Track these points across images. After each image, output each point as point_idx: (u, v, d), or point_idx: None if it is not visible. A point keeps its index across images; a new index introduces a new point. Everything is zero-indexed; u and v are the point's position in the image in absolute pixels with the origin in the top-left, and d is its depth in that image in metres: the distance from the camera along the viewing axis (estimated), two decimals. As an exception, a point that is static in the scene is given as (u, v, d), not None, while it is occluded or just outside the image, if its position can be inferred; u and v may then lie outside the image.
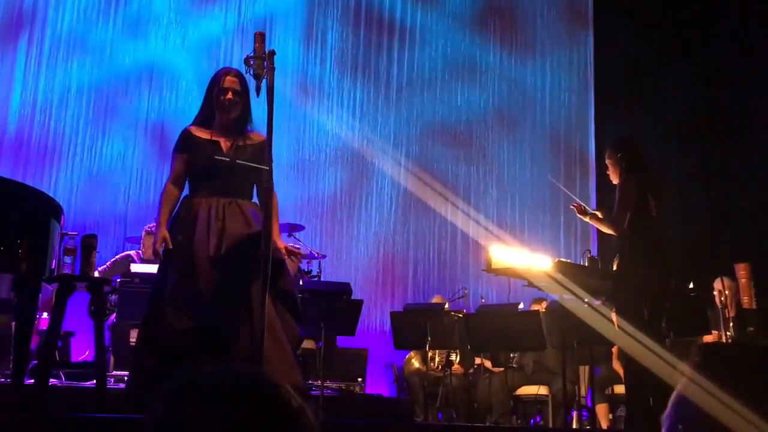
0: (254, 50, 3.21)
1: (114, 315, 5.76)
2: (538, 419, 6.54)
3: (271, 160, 3.36)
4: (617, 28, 9.41)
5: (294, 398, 1.06)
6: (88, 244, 3.82)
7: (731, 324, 5.57)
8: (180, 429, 1.03)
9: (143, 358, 3.62)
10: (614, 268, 4.63)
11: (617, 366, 5.98)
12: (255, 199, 3.85)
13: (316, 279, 7.32)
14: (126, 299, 5.36)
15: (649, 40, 9.08)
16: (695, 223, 8.44)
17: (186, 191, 3.86)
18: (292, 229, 7.36)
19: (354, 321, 5.51)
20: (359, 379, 6.92)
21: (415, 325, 5.78)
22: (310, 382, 6.15)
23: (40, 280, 3.19)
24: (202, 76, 7.85)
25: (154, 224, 4.07)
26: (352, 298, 6.14)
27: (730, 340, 5.47)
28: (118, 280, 5.68)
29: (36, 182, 6.88)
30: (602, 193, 8.72)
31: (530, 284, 4.80)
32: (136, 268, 5.75)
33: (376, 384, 7.49)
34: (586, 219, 4.77)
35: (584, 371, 5.85)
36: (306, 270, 7.39)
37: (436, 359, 6.66)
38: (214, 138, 3.78)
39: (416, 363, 6.72)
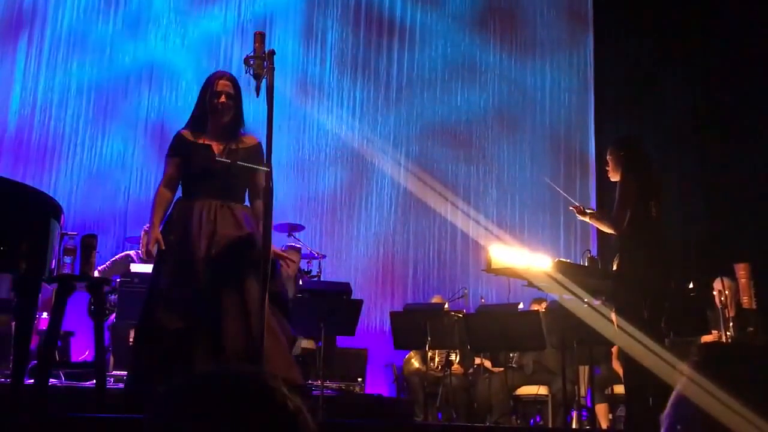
0: (254, 50, 3.21)
1: (114, 315, 5.76)
2: (538, 419, 6.54)
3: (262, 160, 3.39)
4: (617, 29, 9.41)
5: (291, 400, 1.06)
6: (88, 244, 3.82)
7: (731, 324, 5.57)
8: (178, 430, 1.03)
9: (139, 358, 3.64)
10: (614, 268, 4.63)
11: (617, 366, 5.98)
12: (247, 203, 3.88)
13: (316, 279, 7.32)
14: (126, 299, 5.36)
15: (649, 41, 9.08)
16: (695, 223, 8.44)
17: (179, 193, 3.87)
18: (292, 229, 7.37)
19: (354, 321, 5.51)
20: (359, 379, 6.92)
21: (414, 325, 5.78)
22: (310, 382, 6.15)
23: (40, 280, 3.19)
24: (202, 76, 7.77)
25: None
26: (352, 298, 6.14)
27: (729, 340, 5.47)
28: (118, 280, 5.68)
29: (36, 182, 6.88)
30: (602, 193, 8.72)
31: (530, 284, 4.80)
32: (136, 268, 5.75)
33: (376, 384, 7.49)
34: (586, 219, 4.77)
35: (584, 371, 5.85)
36: (306, 270, 7.40)
37: (436, 359, 6.66)
38: (206, 141, 3.80)
39: (416, 363, 6.72)
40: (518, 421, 6.30)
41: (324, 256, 7.62)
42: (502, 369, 6.26)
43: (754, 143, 8.13)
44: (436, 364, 6.65)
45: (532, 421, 6.53)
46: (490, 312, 6.28)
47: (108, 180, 7.90)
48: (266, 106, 3.19)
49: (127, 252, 6.40)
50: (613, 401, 6.15)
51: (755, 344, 5.31)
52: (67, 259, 3.80)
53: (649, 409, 4.15)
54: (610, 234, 4.71)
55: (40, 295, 3.31)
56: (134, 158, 7.99)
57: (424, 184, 8.57)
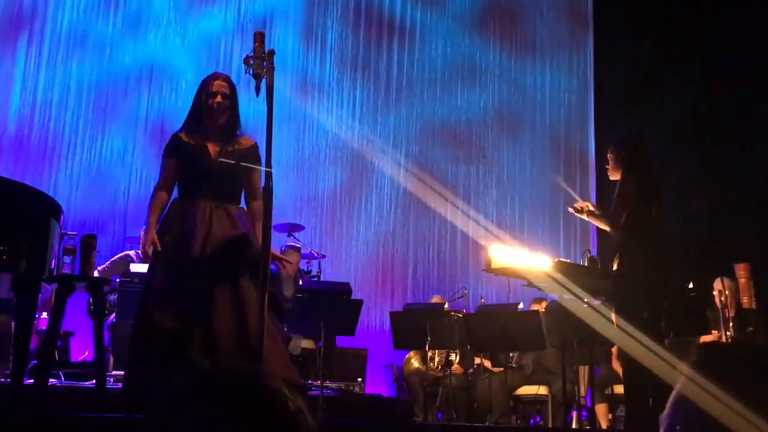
0: (254, 50, 3.21)
1: (113, 315, 5.76)
2: (537, 419, 6.54)
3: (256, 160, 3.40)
4: (617, 29, 9.41)
5: (292, 400, 1.06)
6: (88, 244, 3.82)
7: (731, 324, 5.57)
8: (179, 430, 1.03)
9: (136, 358, 3.65)
10: (614, 268, 4.63)
11: (617, 366, 5.98)
12: (243, 204, 3.90)
13: (315, 279, 7.32)
14: (125, 299, 5.37)
15: (649, 41, 9.08)
16: (695, 223, 8.43)
17: (175, 194, 3.89)
18: (292, 229, 7.37)
19: (354, 321, 5.51)
20: (359, 379, 6.92)
21: (414, 325, 5.78)
22: (310, 382, 6.15)
23: (40, 280, 3.19)
24: (201, 75, 7.76)
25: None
26: (352, 297, 6.14)
27: (729, 341, 5.47)
28: (118, 280, 5.69)
29: (36, 182, 6.88)
30: (602, 193, 8.72)
31: (530, 284, 4.80)
32: (136, 268, 5.75)
33: (376, 384, 7.49)
34: (584, 216, 4.77)
35: (584, 371, 5.85)
36: (306, 270, 7.40)
37: (436, 359, 6.66)
38: (202, 142, 3.81)
39: (416, 363, 6.72)
40: (518, 421, 6.30)
41: (324, 256, 7.62)
42: (502, 369, 6.26)
43: (754, 143, 8.13)
44: (435, 364, 6.65)
45: (532, 421, 6.53)
46: (490, 312, 6.28)
47: (108, 180, 7.90)
48: (266, 106, 3.19)
49: (127, 252, 6.40)
50: (613, 401, 6.15)
51: (755, 344, 5.32)
52: (67, 259, 3.81)
53: (649, 409, 4.15)
54: (610, 234, 4.71)
55: (39, 295, 3.31)
56: (134, 158, 7.99)
57: (424, 184, 8.57)
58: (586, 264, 5.02)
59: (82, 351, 6.43)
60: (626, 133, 7.93)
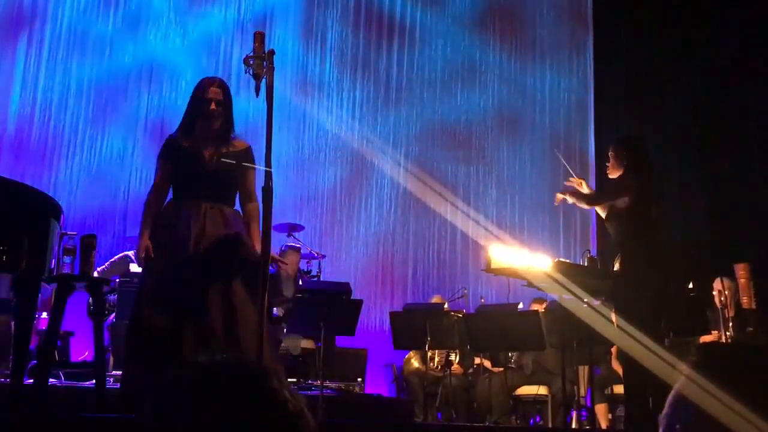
0: (253, 50, 3.21)
1: (113, 315, 5.76)
2: (537, 419, 6.54)
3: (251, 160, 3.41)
4: (617, 29, 9.41)
5: (292, 400, 1.05)
6: (88, 244, 3.83)
7: (731, 324, 5.57)
8: (177, 429, 1.03)
9: (132, 357, 3.68)
10: (615, 268, 4.64)
11: (616, 366, 5.98)
12: (237, 207, 3.95)
13: (315, 279, 7.32)
14: (125, 299, 5.37)
15: (649, 41, 9.08)
16: (695, 223, 8.44)
17: (170, 195, 3.94)
18: (291, 229, 7.37)
19: (353, 321, 5.51)
20: (359, 379, 6.92)
21: (414, 325, 5.78)
22: (310, 381, 6.16)
23: (40, 280, 3.20)
24: (201, 75, 7.79)
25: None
26: (352, 297, 6.14)
27: (729, 340, 5.47)
28: (117, 280, 5.69)
29: (35, 181, 6.88)
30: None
31: (530, 284, 4.80)
32: (135, 268, 5.75)
33: (376, 384, 7.49)
34: (567, 197, 4.78)
35: (584, 371, 5.85)
36: (306, 270, 7.40)
37: (436, 359, 6.66)
38: (197, 146, 3.86)
39: (416, 363, 6.72)
40: (518, 421, 6.30)
41: (324, 256, 7.62)
42: (501, 369, 6.26)
43: (754, 143, 8.13)
44: (435, 364, 6.65)
45: (531, 421, 6.53)
46: (489, 312, 6.28)
47: (108, 179, 7.90)
48: (266, 106, 3.19)
49: (126, 252, 6.39)
50: (612, 401, 6.15)
51: (755, 344, 5.31)
52: (67, 259, 3.81)
53: (649, 409, 4.16)
54: (610, 234, 4.72)
55: (39, 295, 3.31)
56: (134, 157, 7.99)
57: (424, 184, 8.57)
58: (585, 264, 5.02)
59: (82, 351, 6.43)
60: (626, 133, 7.92)
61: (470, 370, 6.68)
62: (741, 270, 5.75)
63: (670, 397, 1.32)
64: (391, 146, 8.89)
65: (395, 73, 9.11)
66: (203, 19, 8.50)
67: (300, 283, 6.84)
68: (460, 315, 6.01)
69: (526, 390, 6.31)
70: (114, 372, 5.43)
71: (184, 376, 1.07)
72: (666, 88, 9.01)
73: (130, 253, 6.35)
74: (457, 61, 9.34)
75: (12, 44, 7.83)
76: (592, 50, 9.68)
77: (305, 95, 8.59)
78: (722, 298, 5.60)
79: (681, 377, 1.33)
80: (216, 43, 8.48)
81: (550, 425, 6.13)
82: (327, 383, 5.89)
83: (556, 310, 5.26)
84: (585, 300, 4.65)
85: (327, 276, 7.62)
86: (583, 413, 5.96)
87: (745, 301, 5.66)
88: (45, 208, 3.22)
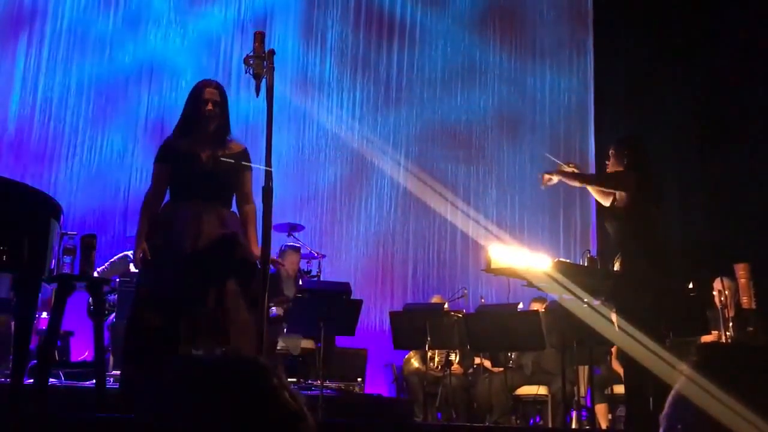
0: (254, 50, 3.21)
1: (113, 315, 5.76)
2: (537, 419, 6.54)
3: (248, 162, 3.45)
4: (617, 29, 9.41)
5: (290, 403, 1.05)
6: (88, 244, 3.83)
7: (731, 324, 5.57)
8: (173, 422, 1.02)
9: (130, 357, 3.70)
10: (615, 268, 4.63)
11: (616, 366, 5.98)
12: (234, 208, 3.97)
13: (315, 279, 7.32)
14: (125, 299, 5.37)
15: (649, 41, 9.08)
16: (695, 223, 8.44)
17: (167, 197, 3.96)
18: (291, 228, 7.37)
19: (353, 321, 5.51)
20: (359, 379, 6.93)
21: (414, 325, 5.78)
22: (310, 381, 6.16)
23: (40, 279, 3.19)
24: (202, 74, 7.83)
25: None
26: (352, 297, 6.14)
27: (729, 341, 5.47)
28: (117, 279, 5.70)
29: (35, 181, 6.88)
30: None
31: (530, 284, 4.80)
32: (135, 268, 5.74)
33: (376, 384, 7.49)
34: (554, 177, 4.76)
35: (584, 371, 5.85)
36: (306, 270, 7.40)
37: (436, 359, 6.66)
38: (193, 148, 3.87)
39: (416, 363, 6.72)
40: (518, 421, 6.30)
41: (324, 256, 7.62)
42: (501, 369, 6.26)
43: (754, 143, 8.13)
44: (435, 364, 6.65)
45: (531, 421, 6.53)
46: (489, 312, 6.28)
47: (108, 179, 7.90)
48: (266, 106, 3.19)
49: (126, 252, 6.39)
50: (612, 401, 6.15)
51: (755, 344, 5.31)
52: (67, 259, 3.82)
53: (649, 409, 4.15)
54: (610, 234, 4.71)
55: (39, 295, 3.31)
56: (134, 157, 7.98)
57: (424, 184, 8.57)
58: (586, 264, 5.01)
59: (82, 351, 6.43)
60: (626, 133, 7.93)
61: (470, 370, 6.68)
62: (741, 270, 5.75)
63: (670, 398, 1.32)
64: (391, 146, 8.89)
65: (395, 73, 9.11)
66: (203, 18, 8.50)
67: (300, 283, 6.84)
68: (460, 315, 6.01)
69: (526, 390, 6.31)
70: (114, 372, 5.43)
71: (185, 373, 1.07)
72: (666, 88, 9.01)
73: (130, 253, 6.34)
74: (457, 61, 9.34)
75: (12, 44, 7.83)
76: (593, 50, 9.68)
77: (305, 95, 8.59)
78: (722, 298, 5.60)
79: (681, 377, 1.33)
80: (216, 43, 8.48)
81: (550, 425, 6.13)
82: (327, 383, 5.89)
83: (556, 310, 5.26)
84: (585, 300, 4.65)
85: (327, 276, 7.62)
86: (583, 413, 5.96)
87: (745, 301, 5.66)
88: (45, 207, 3.22)
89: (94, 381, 4.12)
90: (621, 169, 4.60)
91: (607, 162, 4.74)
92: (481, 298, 7.80)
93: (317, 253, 7.52)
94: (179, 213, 3.79)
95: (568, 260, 5.81)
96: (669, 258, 4.59)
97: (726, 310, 5.60)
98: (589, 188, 4.79)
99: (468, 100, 9.33)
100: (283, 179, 7.99)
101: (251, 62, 3.21)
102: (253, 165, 3.83)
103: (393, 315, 6.16)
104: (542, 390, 6.19)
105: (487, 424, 6.13)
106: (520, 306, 6.41)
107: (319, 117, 8.69)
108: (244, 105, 7.80)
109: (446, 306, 6.59)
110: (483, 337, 5.61)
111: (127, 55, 8.17)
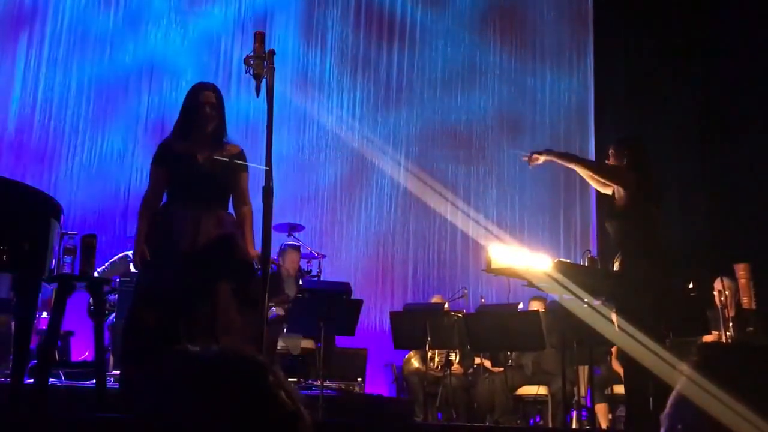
0: (254, 50, 3.22)
1: (113, 315, 5.76)
2: (537, 419, 6.54)
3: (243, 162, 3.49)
4: (618, 30, 9.41)
5: (287, 402, 1.05)
6: (88, 244, 3.84)
7: (731, 324, 5.57)
8: (170, 419, 1.02)
9: (129, 357, 3.71)
10: (615, 268, 4.63)
11: (616, 366, 5.98)
12: (231, 210, 4.00)
13: (315, 279, 7.32)
14: (125, 299, 5.36)
15: (649, 41, 9.08)
16: (695, 223, 8.43)
17: (165, 199, 3.98)
18: (292, 228, 7.37)
19: (354, 321, 5.51)
20: (359, 379, 6.93)
21: (414, 325, 5.78)
22: (310, 381, 6.16)
23: (40, 279, 3.20)
24: (202, 74, 7.85)
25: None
26: (352, 297, 6.14)
27: (729, 341, 5.47)
28: (118, 279, 5.70)
29: (36, 181, 6.88)
30: (602, 193, 8.70)
31: (530, 284, 4.80)
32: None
33: (376, 384, 7.49)
34: (542, 157, 4.73)
35: (584, 371, 5.85)
36: (306, 270, 7.40)
37: (436, 359, 6.66)
38: (191, 150, 3.89)
39: (416, 363, 6.72)
40: (518, 421, 6.30)
41: (324, 256, 7.62)
42: (502, 369, 6.26)
43: (754, 143, 8.13)
44: (435, 364, 6.65)
45: (532, 420, 6.54)
46: (490, 312, 6.28)
47: (108, 179, 7.90)
48: (266, 106, 3.20)
49: (126, 252, 6.39)
50: (613, 401, 6.15)
51: (755, 344, 5.31)
52: (67, 259, 3.82)
53: (650, 409, 4.15)
54: (610, 234, 4.71)
55: (40, 294, 3.31)
56: (134, 157, 7.98)
57: (424, 184, 8.57)
58: (586, 264, 5.01)
59: (82, 351, 6.43)
60: (626, 133, 7.92)
61: (470, 370, 6.68)
62: (741, 270, 5.75)
63: (671, 398, 1.32)
64: (392, 146, 8.89)
65: (395, 73, 9.11)
66: (204, 18, 8.50)
67: (300, 282, 6.84)
68: (461, 315, 6.01)
69: (526, 390, 6.31)
70: (114, 372, 5.43)
71: (180, 370, 1.06)
72: (666, 89, 9.01)
73: (130, 253, 6.34)
74: (457, 61, 9.34)
75: (12, 44, 7.83)
76: (593, 51, 9.67)
77: (305, 95, 8.59)
78: (722, 298, 5.60)
79: (682, 377, 1.33)
80: (216, 43, 8.48)
81: (550, 425, 6.13)
82: (327, 383, 5.89)
83: (556, 310, 5.26)
84: (585, 300, 4.65)
85: (327, 276, 7.62)
86: (584, 413, 5.96)
87: (745, 301, 5.66)
88: (45, 207, 3.22)
89: (94, 381, 4.13)
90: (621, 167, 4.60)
91: (607, 162, 4.75)
92: (482, 298, 7.81)
93: (317, 253, 7.52)
94: (177, 214, 3.82)
95: (568, 260, 5.81)
96: (669, 258, 4.59)
97: (726, 310, 5.61)
98: (584, 174, 4.73)
99: (468, 100, 9.33)
100: (284, 179, 7.99)
101: (251, 62, 3.21)
102: (252, 165, 3.85)
103: (393, 315, 6.16)
104: (542, 390, 6.19)
105: (487, 424, 6.14)
106: (521, 306, 6.41)
107: (319, 117, 8.69)
108: (244, 105, 7.81)
109: (446, 306, 6.59)
110: (483, 337, 5.61)
111: (127, 55, 8.17)
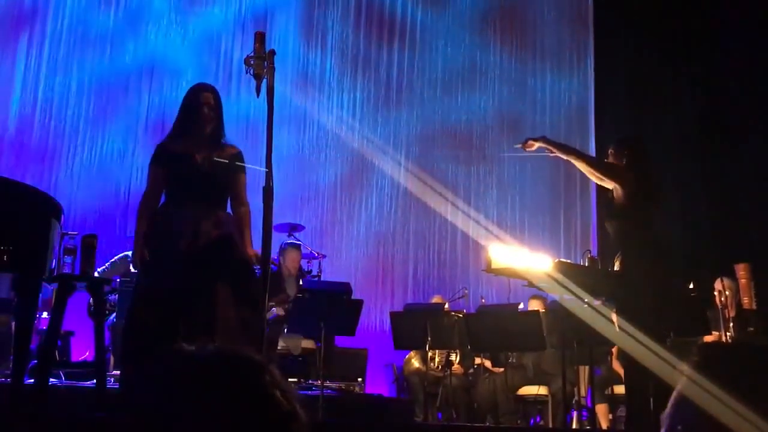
0: (254, 50, 3.22)
1: (114, 315, 5.77)
2: (538, 419, 6.54)
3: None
4: (618, 30, 9.40)
5: (282, 402, 1.05)
6: (89, 244, 3.84)
7: (731, 324, 5.56)
8: (167, 418, 1.02)
9: (128, 357, 3.72)
10: (615, 268, 4.63)
11: (617, 366, 5.98)
12: (229, 210, 4.00)
13: (316, 279, 7.32)
14: (126, 299, 5.36)
15: (650, 42, 9.08)
16: (695, 223, 8.43)
17: (163, 199, 3.98)
18: (292, 229, 7.37)
19: (354, 321, 5.51)
20: (359, 379, 6.92)
21: (415, 325, 5.78)
22: (310, 381, 6.16)
23: (40, 279, 3.20)
24: (202, 73, 7.86)
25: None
26: (352, 297, 6.14)
27: (730, 341, 5.47)
28: (118, 279, 5.70)
29: (36, 181, 6.89)
30: (603, 193, 8.70)
31: (530, 284, 4.80)
32: (136, 267, 5.74)
33: (376, 384, 7.48)
34: (537, 143, 4.73)
35: (584, 371, 5.85)
36: (306, 270, 7.40)
37: (436, 359, 6.66)
38: (189, 151, 3.90)
39: (416, 363, 6.72)
40: (518, 421, 6.30)
41: (324, 256, 7.62)
42: (502, 369, 6.26)
43: (754, 143, 8.13)
44: (436, 364, 6.65)
45: (532, 421, 6.54)
46: (490, 312, 6.28)
47: (109, 179, 7.90)
48: (266, 107, 3.19)
49: (126, 252, 6.39)
50: (613, 401, 6.14)
51: (756, 344, 5.30)
52: (68, 259, 3.82)
53: (650, 409, 4.15)
54: (609, 234, 4.71)
55: (40, 294, 3.31)
56: (135, 157, 7.98)
57: (425, 184, 8.57)
58: (586, 264, 5.01)
59: (82, 351, 6.43)
60: (626, 133, 7.92)
61: (471, 370, 6.68)
62: (742, 270, 5.74)
63: (671, 398, 1.32)
64: (392, 146, 8.88)
65: (396, 73, 9.11)
66: (204, 18, 8.50)
67: (300, 282, 6.84)
68: (461, 315, 6.01)
69: (526, 390, 6.31)
70: (114, 372, 5.43)
71: (176, 369, 1.06)
72: (666, 89, 9.01)
73: (131, 253, 6.32)
74: (457, 61, 9.34)
75: (13, 44, 7.83)
76: (593, 51, 9.67)
77: (306, 95, 8.59)
78: (723, 299, 5.60)
79: (682, 378, 1.33)
80: (217, 43, 8.49)
81: (550, 425, 6.13)
82: (327, 383, 5.89)
83: (556, 310, 5.25)
84: (585, 300, 4.65)
85: (327, 276, 7.62)
86: (584, 413, 5.96)
87: (746, 301, 5.66)
88: (46, 207, 3.22)
89: (94, 381, 4.13)
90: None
91: (606, 160, 4.74)
92: (482, 298, 7.80)
93: (318, 254, 7.52)
94: (176, 215, 3.83)
95: (568, 260, 5.81)
96: (669, 258, 4.59)
97: (727, 311, 5.60)
98: (582, 168, 4.72)
99: (468, 100, 9.32)
100: (284, 179, 7.99)
101: (252, 63, 3.21)
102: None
103: (393, 315, 6.16)
104: (542, 390, 6.19)
105: (487, 424, 6.13)
106: (521, 306, 6.41)
107: (319, 117, 8.69)
108: (244, 105, 7.81)
109: (447, 306, 6.59)
110: (483, 337, 5.61)
111: (127, 55, 8.17)
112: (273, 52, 3.23)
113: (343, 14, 9.04)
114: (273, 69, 3.21)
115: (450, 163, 9.11)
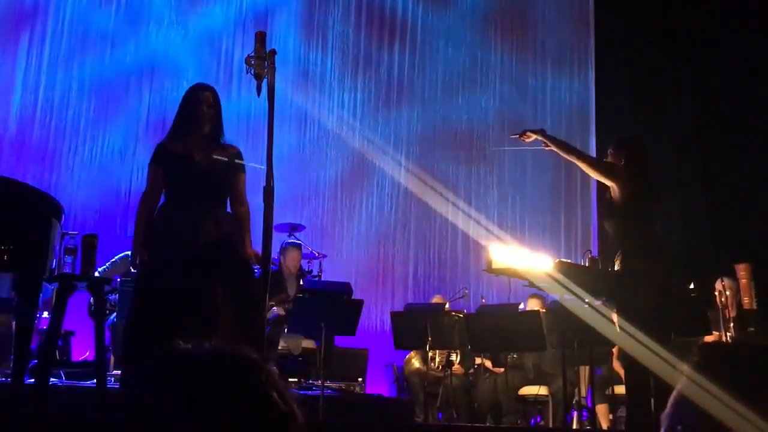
0: (255, 50, 3.22)
1: (114, 314, 5.77)
2: (538, 419, 6.54)
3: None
4: (619, 31, 9.40)
5: (279, 402, 1.05)
6: (89, 244, 3.84)
7: (732, 324, 5.56)
8: (162, 417, 1.02)
9: (129, 357, 3.72)
10: (615, 268, 4.63)
11: (617, 366, 5.98)
12: (228, 209, 4.00)
13: (316, 279, 7.32)
14: (126, 299, 5.37)
15: (650, 42, 9.07)
16: (696, 223, 8.43)
17: (163, 199, 3.99)
18: (292, 228, 7.37)
19: (354, 321, 5.51)
20: (359, 379, 6.92)
21: (415, 325, 5.78)
22: (310, 381, 6.16)
23: (41, 279, 3.20)
24: (203, 73, 7.86)
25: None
26: (353, 297, 6.14)
27: (730, 341, 5.47)
28: (119, 279, 5.70)
29: (36, 181, 6.89)
30: (603, 193, 8.69)
31: (531, 284, 4.80)
32: (137, 267, 5.74)
33: (376, 384, 7.48)
34: (534, 136, 4.73)
35: (584, 371, 5.85)
36: (307, 269, 7.40)
37: (437, 359, 6.66)
38: (188, 150, 3.91)
39: (416, 363, 6.72)
40: (518, 421, 6.31)
41: (324, 256, 7.62)
42: (502, 369, 6.26)
43: (754, 143, 8.13)
44: (436, 364, 6.65)
45: (532, 421, 6.54)
46: (490, 312, 6.28)
47: (109, 179, 7.90)
48: (267, 106, 3.19)
49: (127, 252, 6.38)
50: (613, 402, 6.14)
51: (756, 344, 5.30)
52: (68, 259, 3.82)
53: (650, 409, 4.15)
54: (608, 233, 4.71)
55: (40, 294, 3.31)
56: (135, 157, 7.97)
57: (425, 184, 8.56)
58: (587, 264, 5.01)
59: (83, 350, 6.43)
60: (627, 133, 7.91)
61: (471, 370, 6.68)
62: (742, 270, 5.74)
63: (671, 398, 1.32)
64: (392, 146, 8.88)
65: (396, 73, 9.11)
66: (205, 17, 8.50)
67: (301, 282, 6.85)
68: (461, 315, 6.02)
69: (527, 390, 6.31)
70: (115, 371, 5.43)
71: (172, 368, 1.06)
72: (667, 89, 9.00)
73: (131, 252, 6.34)
74: (458, 61, 9.34)
75: (13, 44, 7.83)
76: (594, 51, 9.67)
77: (306, 95, 8.59)
78: (723, 299, 5.60)
79: (682, 378, 1.33)
80: (217, 42, 8.49)
81: (550, 425, 6.12)
82: (328, 383, 5.89)
83: (557, 310, 5.25)
84: (586, 300, 4.65)
85: (328, 276, 7.62)
86: (584, 413, 5.96)
87: (746, 301, 5.66)
88: (46, 207, 3.22)
89: (94, 381, 4.13)
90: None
91: (605, 160, 4.74)
92: (482, 298, 7.80)
93: (318, 253, 7.52)
94: (176, 215, 3.83)
95: (569, 260, 5.81)
96: (669, 258, 4.59)
97: (727, 311, 5.60)
98: (582, 166, 4.72)
99: (469, 100, 9.32)
100: (284, 179, 7.98)
101: (252, 62, 3.22)
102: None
103: (394, 315, 6.16)
104: (543, 390, 6.19)
105: (487, 424, 6.13)
106: (521, 306, 6.41)
107: (320, 117, 8.69)
108: (245, 105, 7.81)
109: (447, 306, 6.59)
110: (484, 337, 5.61)
111: (128, 54, 8.17)
112: (274, 52, 3.23)
113: (344, 14, 9.04)
114: (274, 69, 3.21)
115: (450, 163, 9.11)
